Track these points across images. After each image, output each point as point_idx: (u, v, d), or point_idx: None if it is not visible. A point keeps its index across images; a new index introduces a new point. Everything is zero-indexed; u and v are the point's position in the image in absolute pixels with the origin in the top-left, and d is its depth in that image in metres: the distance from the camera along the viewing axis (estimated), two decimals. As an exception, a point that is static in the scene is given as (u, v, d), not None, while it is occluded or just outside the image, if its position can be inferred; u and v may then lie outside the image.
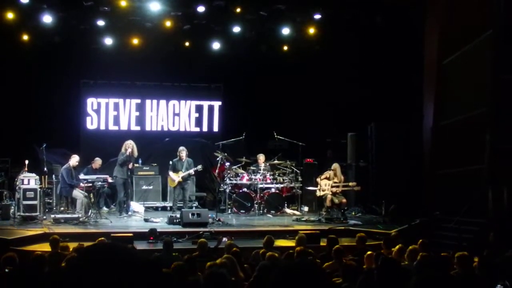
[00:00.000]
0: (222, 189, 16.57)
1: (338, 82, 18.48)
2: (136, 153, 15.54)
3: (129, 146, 15.35)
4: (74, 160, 14.68)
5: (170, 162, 15.83)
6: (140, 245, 11.41)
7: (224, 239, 10.80)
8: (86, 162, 16.21)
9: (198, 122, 19.84)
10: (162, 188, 17.27)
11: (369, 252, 8.47)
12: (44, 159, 15.05)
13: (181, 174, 15.53)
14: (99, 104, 19.12)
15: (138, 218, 15.11)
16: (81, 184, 14.62)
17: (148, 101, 19.49)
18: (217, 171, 16.93)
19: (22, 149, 16.36)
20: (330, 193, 15.48)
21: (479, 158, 13.28)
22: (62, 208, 14.68)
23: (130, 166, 15.62)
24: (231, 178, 16.54)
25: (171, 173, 15.73)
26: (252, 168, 16.79)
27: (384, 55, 17.22)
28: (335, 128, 18.51)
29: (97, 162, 16.22)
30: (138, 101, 19.42)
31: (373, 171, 17.08)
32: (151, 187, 17.27)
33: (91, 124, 19.10)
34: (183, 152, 15.72)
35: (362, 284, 5.76)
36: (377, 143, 16.96)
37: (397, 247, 8.88)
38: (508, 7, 12.92)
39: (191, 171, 15.73)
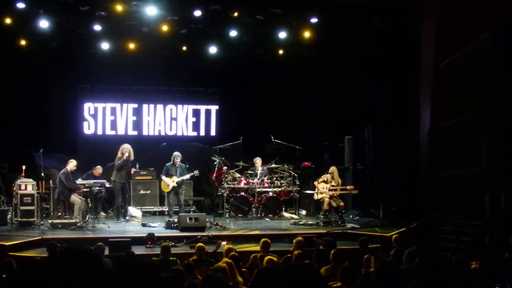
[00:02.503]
0: (219, 193, 16.55)
1: (335, 85, 18.49)
2: (132, 157, 15.53)
3: (126, 151, 15.34)
4: (72, 164, 14.66)
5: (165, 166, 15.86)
6: (138, 250, 11.38)
7: (224, 243, 10.77)
8: (84, 167, 16.20)
9: (195, 126, 19.84)
10: (160, 192, 17.23)
11: (366, 256, 8.46)
12: (41, 164, 15.03)
13: (175, 179, 15.50)
14: (96, 109, 19.12)
15: (135, 222, 15.10)
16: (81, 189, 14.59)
17: (145, 106, 19.48)
18: (214, 175, 16.92)
19: (19, 154, 16.36)
20: (328, 196, 15.48)
21: (477, 161, 13.29)
22: (59, 213, 14.66)
23: (132, 171, 15.70)
24: (229, 182, 16.51)
25: (164, 178, 15.70)
26: (249, 172, 16.76)
27: (381, 57, 17.23)
28: (332, 131, 18.51)
29: (98, 170, 16.28)
30: (135, 105, 19.41)
31: (371, 174, 17.08)
32: (148, 192, 17.24)
33: (88, 129, 19.09)
34: (178, 158, 15.74)
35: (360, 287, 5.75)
36: (375, 146, 16.96)
37: (394, 249, 8.88)
38: (505, 8, 12.94)
39: (187, 177, 15.72)
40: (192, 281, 6.97)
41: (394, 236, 11.51)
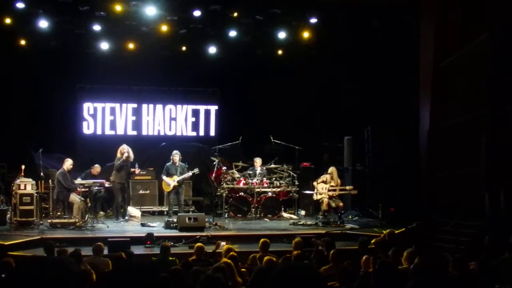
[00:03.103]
0: (218, 193, 16.54)
1: (334, 85, 18.50)
2: (132, 157, 15.53)
3: (125, 151, 15.34)
4: (68, 163, 14.64)
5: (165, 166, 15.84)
6: (137, 250, 11.37)
7: (223, 243, 10.76)
8: (83, 167, 16.20)
9: (195, 126, 19.83)
10: (159, 192, 17.22)
11: (365, 256, 8.45)
12: (40, 164, 15.04)
13: (176, 178, 15.48)
14: (95, 109, 19.12)
15: (135, 222, 15.08)
16: (78, 189, 14.58)
17: (144, 106, 19.48)
18: (213, 175, 16.89)
19: (19, 154, 16.35)
20: (327, 196, 15.47)
21: (476, 161, 13.29)
22: (58, 213, 14.64)
23: (137, 171, 15.77)
24: (228, 182, 16.50)
25: (165, 178, 15.67)
26: (248, 172, 16.76)
27: (380, 58, 17.22)
28: (331, 131, 18.52)
29: (96, 168, 16.25)
30: (135, 105, 19.42)
31: (370, 174, 17.06)
32: (147, 192, 17.24)
33: (87, 128, 19.10)
34: (176, 156, 15.70)
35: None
36: (374, 146, 16.94)
37: (391, 250, 8.87)
38: (505, 8, 12.96)
39: (188, 175, 15.68)
40: (191, 281, 6.96)
41: (387, 231, 11.54)
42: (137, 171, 15.90)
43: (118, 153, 15.41)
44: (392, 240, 10.82)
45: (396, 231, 13.33)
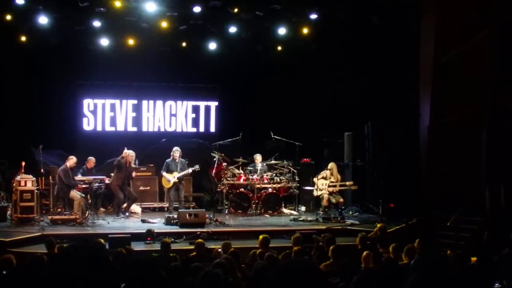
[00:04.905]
0: (219, 189, 16.54)
1: (334, 81, 18.49)
2: (133, 164, 15.52)
3: (128, 154, 15.31)
4: (72, 161, 14.67)
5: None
6: (138, 246, 11.39)
7: (220, 250, 10.72)
8: (83, 164, 16.19)
9: (195, 122, 19.83)
10: (159, 188, 17.21)
11: (366, 252, 8.46)
12: (41, 160, 15.05)
13: (176, 174, 15.48)
14: (95, 105, 19.10)
15: (135, 219, 15.09)
16: (79, 185, 14.58)
17: (144, 102, 19.48)
18: (214, 171, 16.90)
19: (19, 151, 16.33)
20: (327, 192, 15.48)
21: (477, 157, 13.29)
22: (59, 210, 14.66)
23: (134, 174, 15.75)
24: (228, 179, 16.50)
25: (165, 174, 15.65)
26: (249, 168, 16.77)
27: (380, 54, 17.21)
28: (332, 127, 18.52)
29: (91, 161, 16.17)
30: (135, 101, 19.41)
31: (370, 170, 17.07)
32: (148, 188, 17.22)
33: (87, 125, 19.09)
34: (176, 152, 15.70)
35: (358, 283, 5.74)
36: (374, 142, 16.95)
37: (392, 246, 8.89)
38: (505, 5, 12.94)
39: (189, 171, 15.67)
40: (191, 277, 6.96)
41: (378, 226, 11.57)
42: (134, 174, 15.88)
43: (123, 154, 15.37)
44: (385, 235, 10.86)
45: (396, 227, 13.40)
